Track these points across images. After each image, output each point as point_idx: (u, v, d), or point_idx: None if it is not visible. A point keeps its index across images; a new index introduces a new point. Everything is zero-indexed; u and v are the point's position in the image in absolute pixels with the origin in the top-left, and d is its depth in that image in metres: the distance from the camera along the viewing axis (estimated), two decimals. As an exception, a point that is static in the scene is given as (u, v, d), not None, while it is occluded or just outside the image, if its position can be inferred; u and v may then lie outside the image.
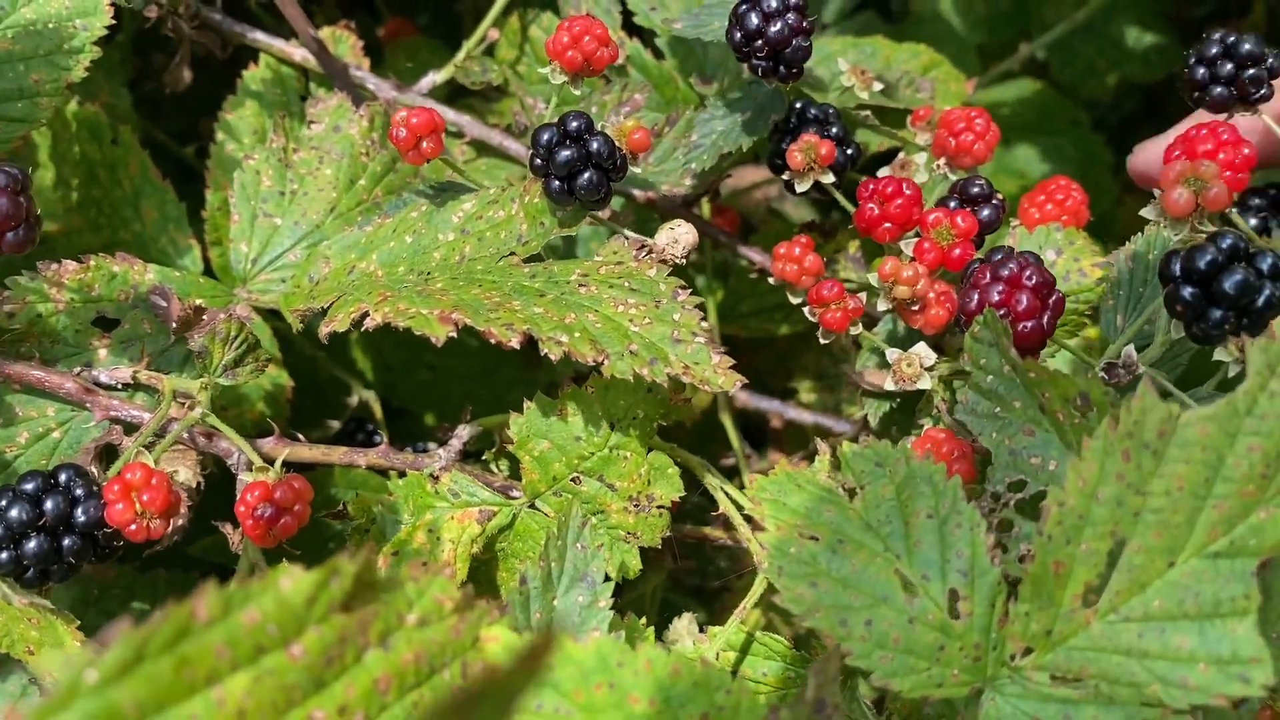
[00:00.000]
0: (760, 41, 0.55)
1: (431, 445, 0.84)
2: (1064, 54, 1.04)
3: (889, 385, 0.54)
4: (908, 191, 0.55)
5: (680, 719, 0.39)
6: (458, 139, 0.70)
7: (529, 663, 0.23)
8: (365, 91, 0.70)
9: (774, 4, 0.55)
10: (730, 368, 0.50)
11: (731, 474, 0.69)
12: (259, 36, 0.71)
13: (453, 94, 0.78)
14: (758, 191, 1.03)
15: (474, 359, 0.87)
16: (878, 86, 0.62)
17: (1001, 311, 0.50)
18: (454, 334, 0.49)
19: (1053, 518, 0.39)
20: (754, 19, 0.56)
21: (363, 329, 0.51)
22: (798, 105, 0.62)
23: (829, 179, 0.58)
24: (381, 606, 0.34)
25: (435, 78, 0.72)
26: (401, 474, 0.59)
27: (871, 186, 0.55)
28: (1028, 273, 0.50)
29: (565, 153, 0.52)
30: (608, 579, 0.51)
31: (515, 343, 0.49)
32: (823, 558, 0.43)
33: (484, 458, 0.63)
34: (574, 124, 0.52)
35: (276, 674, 0.31)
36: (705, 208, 0.73)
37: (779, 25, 0.55)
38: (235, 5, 0.74)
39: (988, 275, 0.51)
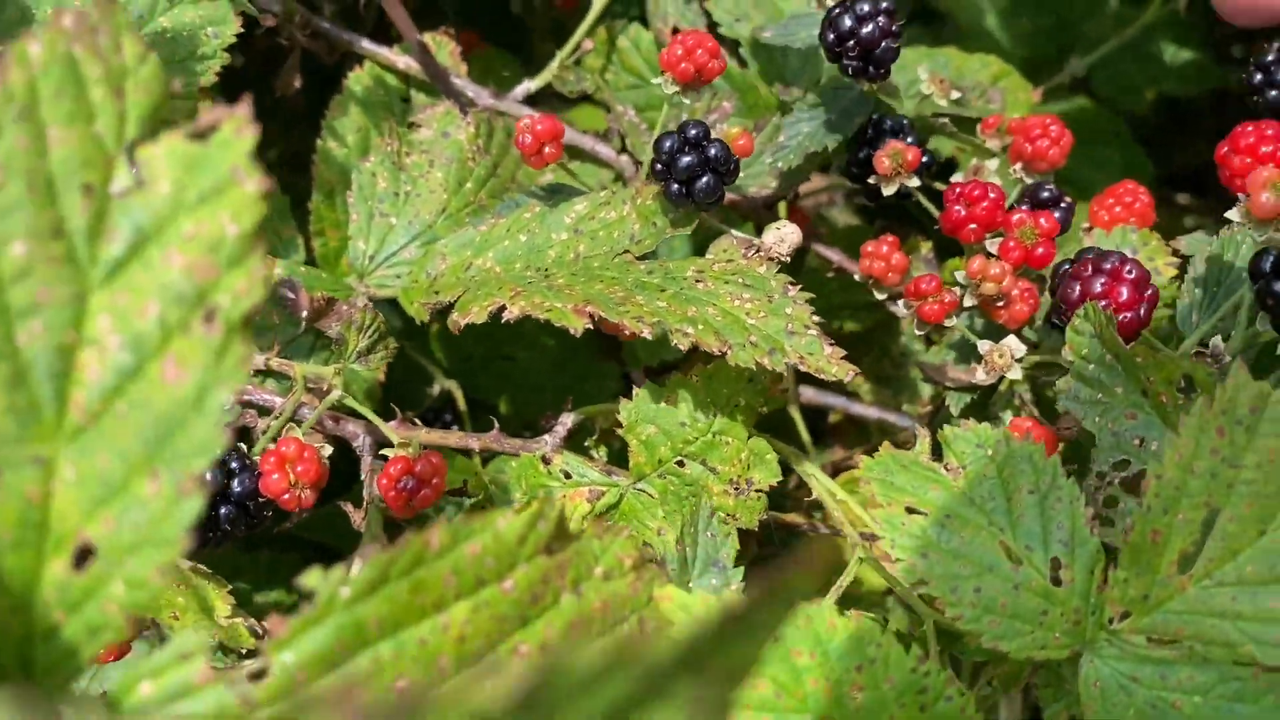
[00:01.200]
0: (853, 42, 0.60)
1: (530, 436, 0.89)
2: (1105, 70, 1.08)
3: (980, 376, 0.58)
4: (993, 195, 0.59)
5: (838, 670, 0.43)
6: (554, 144, 0.74)
7: (809, 567, 0.26)
8: (465, 98, 0.74)
9: (866, 7, 0.59)
10: (842, 357, 0.54)
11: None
12: (365, 44, 0.76)
13: (531, 101, 0.82)
14: (808, 199, 1.07)
15: (549, 353, 0.91)
16: (955, 95, 0.66)
17: (1103, 303, 0.54)
18: (590, 325, 0.53)
19: (1151, 490, 0.44)
20: (847, 21, 0.60)
21: (502, 320, 0.55)
22: (874, 117, 0.67)
23: (914, 183, 0.62)
24: (574, 555, 0.38)
25: (530, 85, 0.76)
26: (512, 457, 0.63)
27: (958, 190, 0.59)
28: (1128, 267, 0.54)
29: (686, 159, 0.56)
30: (738, 564, 0.55)
31: (647, 334, 0.53)
32: (931, 531, 0.47)
33: (585, 444, 0.67)
34: (693, 132, 0.57)
35: (491, 605, 0.35)
36: (782, 209, 0.77)
37: (871, 27, 0.60)
38: (343, 14, 0.79)
39: (1090, 268, 0.55)
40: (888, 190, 0.63)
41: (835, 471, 0.90)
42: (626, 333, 0.54)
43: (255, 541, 0.77)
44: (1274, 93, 0.61)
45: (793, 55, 0.75)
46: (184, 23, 0.66)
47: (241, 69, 0.86)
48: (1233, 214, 0.51)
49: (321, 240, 0.75)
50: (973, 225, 0.60)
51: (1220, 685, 0.44)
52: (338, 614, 0.33)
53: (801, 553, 0.26)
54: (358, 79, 0.76)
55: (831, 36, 0.61)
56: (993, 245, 0.60)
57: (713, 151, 0.56)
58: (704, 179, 0.57)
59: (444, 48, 0.77)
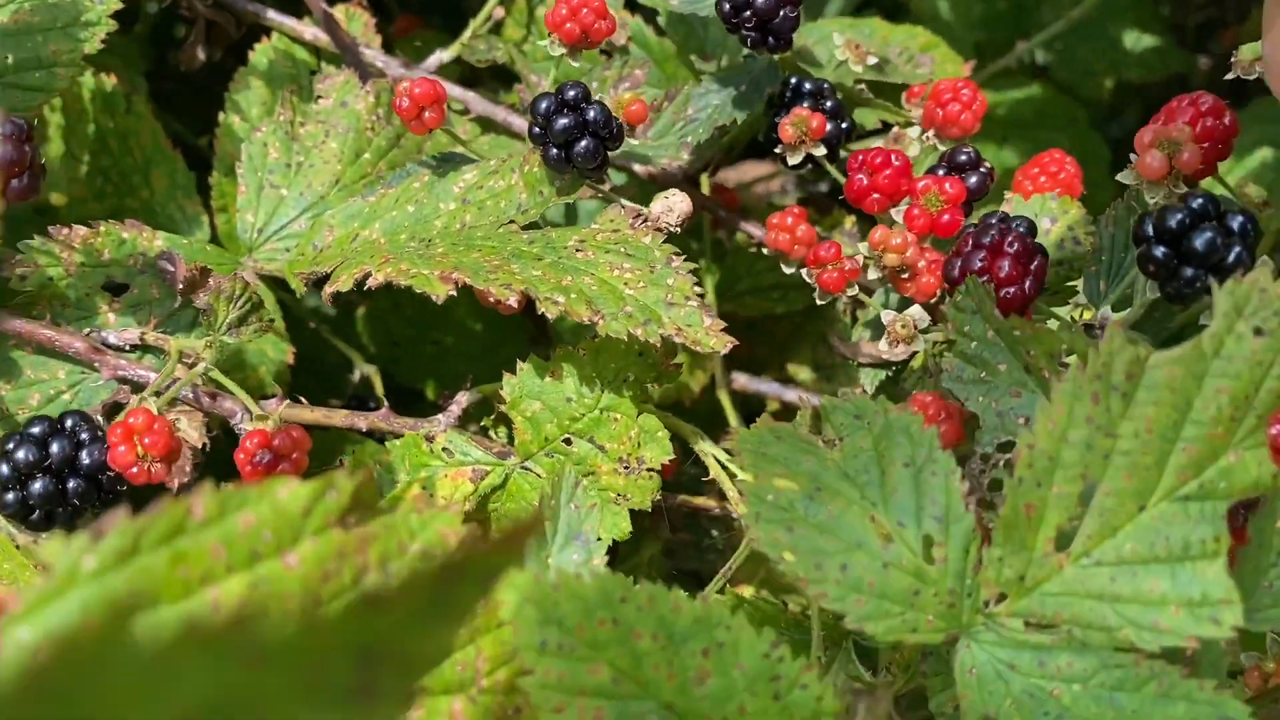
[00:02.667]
0: (749, 12, 0.57)
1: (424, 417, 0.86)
2: (1062, 55, 1.05)
3: (883, 347, 0.55)
4: (896, 162, 0.56)
5: (682, 654, 0.40)
6: (463, 115, 0.71)
7: (512, 541, 0.24)
8: (374, 69, 0.72)
9: (763, -25, 0.56)
10: (722, 329, 0.51)
11: (729, 454, 0.70)
12: (272, 15, 0.73)
13: (463, 82, 0.80)
14: (759, 186, 1.04)
15: (477, 338, 0.88)
16: (872, 60, 0.63)
17: (984, 278, 0.51)
18: (454, 292, 0.51)
19: (1023, 460, 0.40)
20: (742, -11, 0.57)
21: (365, 288, 0.52)
22: (793, 80, 0.64)
23: (820, 152, 0.60)
24: (382, 530, 0.35)
25: (442, 56, 0.73)
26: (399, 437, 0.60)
27: (860, 157, 0.57)
28: (1009, 239, 0.51)
29: (563, 121, 0.54)
30: (600, 539, 0.52)
31: (513, 301, 0.50)
32: (800, 504, 0.44)
33: (483, 424, 0.64)
34: (571, 93, 0.54)
35: (272, 582, 0.32)
36: (705, 184, 0.74)
37: None
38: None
39: (970, 243, 0.52)
40: (793, 159, 0.61)
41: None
42: (492, 299, 0.51)
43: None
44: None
45: (712, 26, 0.72)
46: (68, -13, 0.64)
47: (157, 49, 0.84)
48: (1124, 176, 0.48)
49: (224, 217, 0.72)
50: (876, 195, 0.57)
51: (1101, 673, 0.41)
52: (82, 586, 0.30)
53: (500, 530, 0.23)
54: (263, 51, 0.73)
55: (727, 6, 0.59)
56: (899, 214, 0.57)
57: (591, 114, 0.54)
58: (583, 142, 0.54)
59: (356, 19, 0.75)
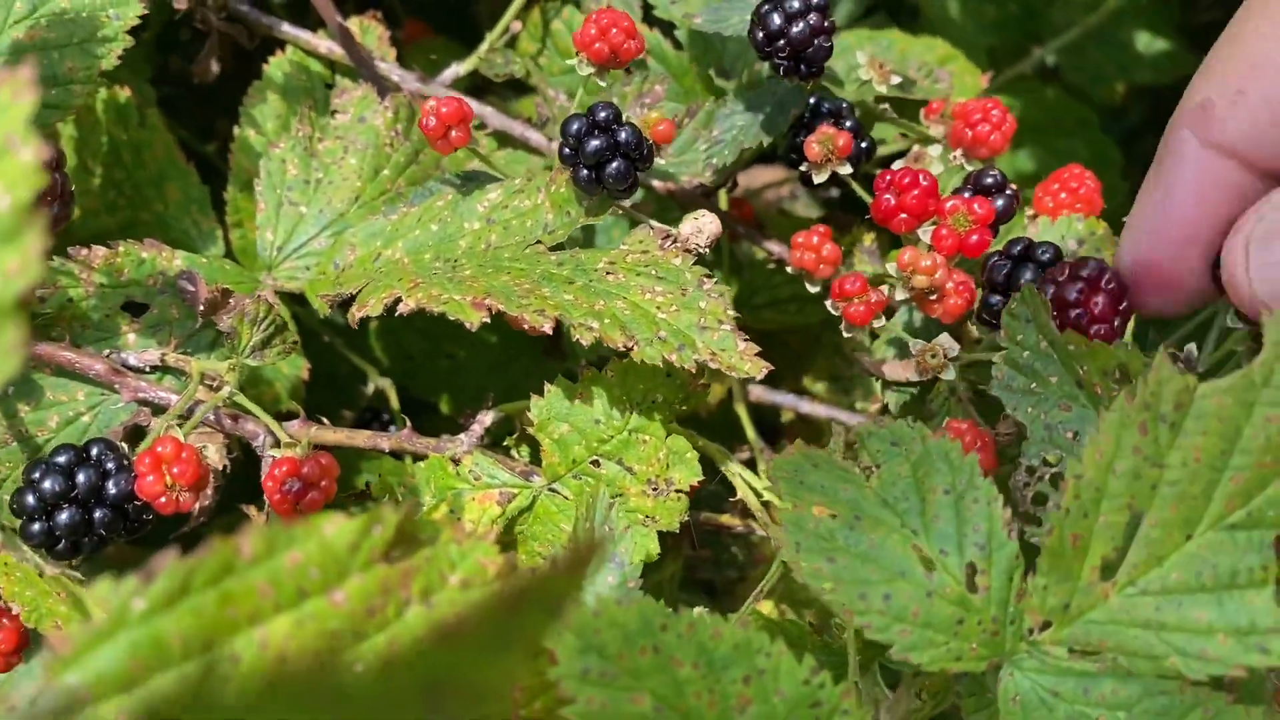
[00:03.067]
0: (782, 41, 0.56)
1: (444, 436, 0.86)
2: (1074, 59, 1.05)
3: (912, 375, 0.55)
4: (924, 182, 0.55)
5: (723, 681, 0.39)
6: (480, 130, 0.71)
7: (576, 567, 0.24)
8: (390, 83, 0.71)
9: (796, 4, 0.56)
10: (756, 354, 0.51)
11: (747, 467, 0.69)
12: (286, 28, 0.73)
13: (474, 90, 0.79)
14: (769, 192, 1.04)
15: (491, 351, 0.88)
16: (895, 80, 0.63)
17: (1077, 312, 0.50)
18: (487, 319, 0.50)
19: (1070, 490, 0.40)
20: (776, 19, 0.57)
21: (396, 314, 0.52)
22: (813, 100, 0.63)
23: (846, 170, 0.59)
24: (424, 563, 0.35)
25: (459, 69, 0.73)
26: (424, 458, 0.59)
27: (888, 178, 0.56)
28: (1106, 277, 0.50)
29: (594, 142, 0.53)
30: (635, 562, 0.52)
31: (547, 328, 0.50)
32: (840, 534, 0.44)
33: (505, 444, 0.64)
34: (603, 114, 0.53)
35: (318, 619, 0.32)
36: (723, 199, 0.74)
37: (801, 26, 0.56)
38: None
39: (1066, 271, 0.51)
40: (818, 178, 0.60)
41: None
42: (526, 326, 0.50)
43: (168, 545, 0.74)
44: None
45: (730, 42, 0.71)
46: (83, 3, 0.63)
47: (161, 55, 0.83)
48: None
49: (240, 232, 0.72)
50: (904, 215, 0.56)
51: (1145, 700, 0.41)
52: (131, 628, 0.30)
53: (563, 556, 0.23)
54: (278, 65, 0.72)
55: (760, 35, 0.58)
56: (926, 235, 0.57)
57: (623, 135, 0.53)
58: (614, 164, 0.54)
59: (371, 32, 0.74)
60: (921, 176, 0.55)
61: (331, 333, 0.87)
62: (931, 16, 1.03)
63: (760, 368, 0.51)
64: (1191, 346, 0.50)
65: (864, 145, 0.63)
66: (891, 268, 0.56)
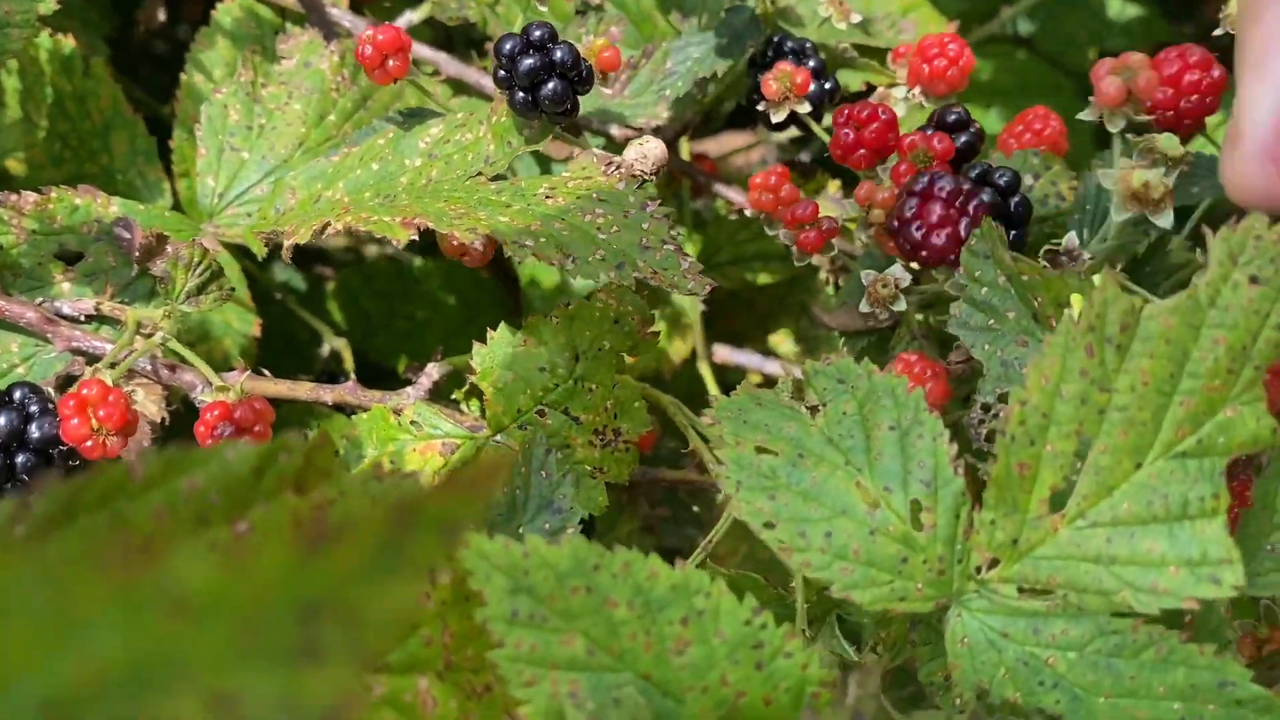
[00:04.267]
0: None
1: (392, 391, 0.84)
2: (1046, 24, 1.03)
3: (864, 308, 0.53)
4: (883, 116, 0.54)
5: (660, 623, 0.38)
6: (434, 77, 0.69)
7: (472, 485, 0.22)
8: (342, 29, 0.69)
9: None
10: (700, 271, 0.49)
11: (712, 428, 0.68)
12: (234, -26, 0.71)
13: (435, 45, 0.77)
14: (738, 157, 1.02)
15: (450, 312, 0.86)
16: (856, 18, 0.61)
17: (916, 225, 0.49)
18: (415, 237, 0.48)
19: (1015, 416, 0.39)
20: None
21: (325, 235, 0.50)
22: (775, 39, 0.62)
23: (805, 109, 0.57)
24: (338, 496, 0.33)
25: (412, 16, 0.71)
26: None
27: (846, 112, 0.55)
28: (939, 184, 0.49)
29: (528, 61, 0.51)
30: (574, 507, 0.50)
31: (478, 245, 0.48)
32: (782, 471, 0.42)
33: (454, 397, 0.62)
34: (537, 33, 0.52)
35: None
36: (684, 148, 0.72)
37: None
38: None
39: (903, 194, 0.50)
40: (776, 116, 0.58)
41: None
42: (455, 243, 0.49)
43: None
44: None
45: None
46: (18, -57, 0.61)
47: (112, 8, 0.81)
48: (1085, 114, 0.47)
49: (186, 182, 0.70)
50: (863, 150, 0.55)
51: (1097, 639, 0.39)
52: (12, 554, 0.28)
53: (461, 473, 0.21)
54: (226, 10, 0.71)
55: None
56: (885, 173, 0.55)
57: (558, 54, 0.51)
58: (550, 84, 0.52)
59: (322, -23, 0.72)
60: (880, 110, 0.54)
61: (287, 293, 0.85)
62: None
63: (704, 284, 0.49)
64: (1072, 234, 0.49)
65: (826, 86, 0.62)
66: (850, 205, 0.55)
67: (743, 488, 0.42)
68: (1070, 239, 0.48)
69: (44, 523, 0.28)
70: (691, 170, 0.70)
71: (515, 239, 0.48)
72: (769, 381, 0.87)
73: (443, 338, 0.86)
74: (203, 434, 0.49)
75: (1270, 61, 0.40)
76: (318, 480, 0.34)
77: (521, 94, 0.52)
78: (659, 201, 0.51)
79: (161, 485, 0.30)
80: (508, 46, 0.52)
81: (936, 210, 0.47)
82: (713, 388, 0.79)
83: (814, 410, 0.45)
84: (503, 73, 0.52)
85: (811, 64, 0.61)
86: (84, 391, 0.47)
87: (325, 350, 0.82)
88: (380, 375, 0.90)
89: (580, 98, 0.53)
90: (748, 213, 0.60)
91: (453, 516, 0.25)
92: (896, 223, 0.49)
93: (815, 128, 0.59)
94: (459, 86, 0.71)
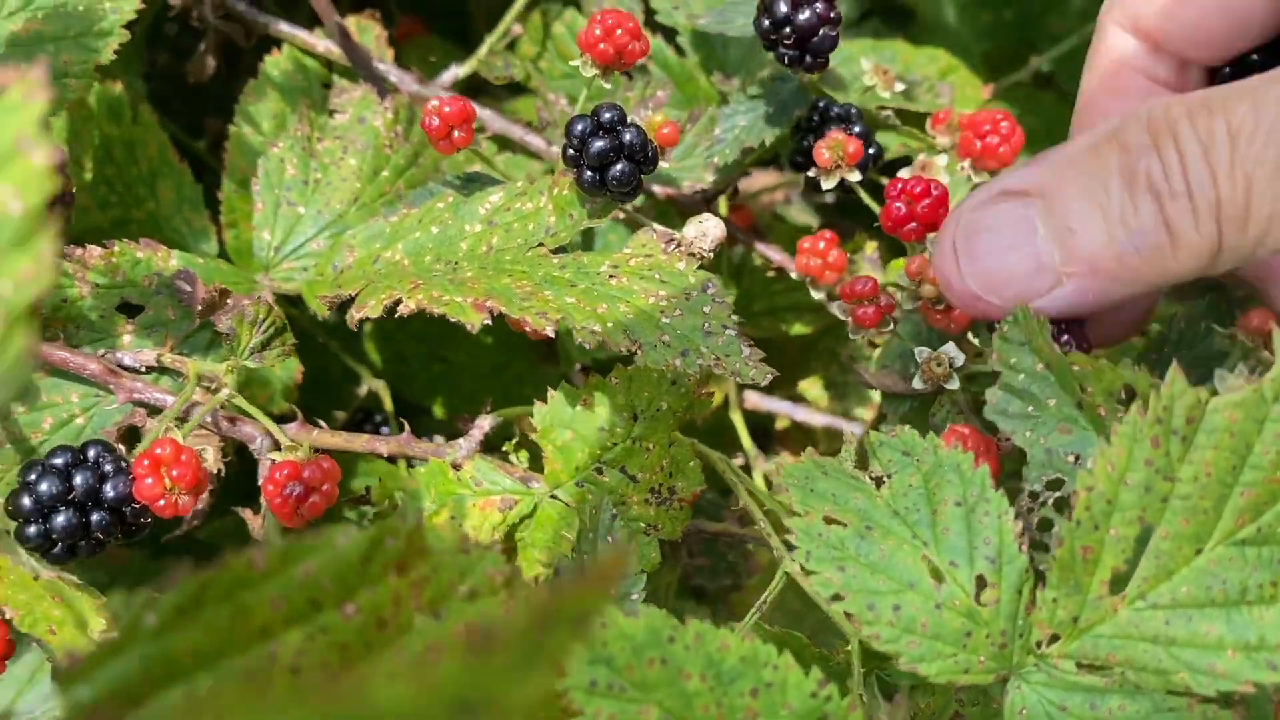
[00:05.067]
0: (788, 29, 0.56)
1: (439, 438, 0.85)
2: (1070, 66, 1.05)
3: (917, 384, 0.55)
4: (935, 191, 0.55)
5: (730, 694, 0.39)
6: (480, 133, 0.70)
7: (603, 581, 0.23)
8: (388, 84, 0.70)
9: (802, -9, 0.56)
10: (761, 359, 0.50)
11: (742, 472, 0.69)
12: (283, 27, 0.72)
13: (470, 91, 0.79)
14: (763, 197, 1.04)
15: (487, 354, 0.87)
16: (899, 87, 0.63)
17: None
18: (489, 321, 0.50)
19: (1081, 502, 0.40)
20: (782, 6, 0.56)
21: (396, 315, 0.51)
22: (820, 104, 0.63)
23: (855, 177, 0.59)
24: (431, 573, 0.34)
25: (458, 71, 0.72)
26: (419, 462, 0.59)
27: (899, 185, 0.56)
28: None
29: (599, 144, 0.53)
30: (641, 572, 0.51)
31: (549, 331, 0.49)
32: (850, 543, 0.44)
33: (504, 449, 0.63)
34: (608, 115, 0.53)
35: (329, 632, 0.31)
36: (723, 205, 0.74)
37: (807, 13, 0.56)
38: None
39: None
40: (827, 184, 0.60)
41: (785, 479, 0.87)
42: (528, 329, 0.50)
43: (161, 547, 0.73)
44: None
45: (733, 46, 0.71)
46: (81, -4, 0.62)
47: (150, 49, 0.82)
48: None
49: (234, 232, 0.71)
50: (914, 224, 0.56)
51: (1152, 716, 0.41)
52: (144, 643, 0.29)
53: (590, 567, 0.23)
54: (275, 63, 0.72)
55: (766, 23, 0.58)
56: (933, 245, 0.57)
57: (627, 137, 0.53)
58: (619, 166, 0.53)
59: (368, 31, 0.73)
60: (933, 185, 0.55)
61: (325, 333, 0.86)
62: (927, 21, 1.03)
63: (765, 374, 0.50)
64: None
65: (871, 151, 0.63)
66: (899, 276, 0.56)
67: (812, 558, 0.43)
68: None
69: (173, 614, 0.30)
70: (731, 228, 0.71)
71: (584, 324, 0.49)
72: (798, 427, 0.88)
73: (479, 380, 0.87)
74: (272, 493, 0.50)
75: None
76: (417, 560, 0.35)
77: (590, 173, 0.54)
78: (718, 283, 0.52)
79: (280, 574, 0.31)
80: (579, 128, 0.53)
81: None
82: (745, 436, 0.81)
83: (878, 481, 0.46)
84: (572, 152, 0.54)
85: (857, 129, 0.63)
86: (158, 451, 0.48)
87: (363, 390, 0.83)
88: (415, 414, 0.91)
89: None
90: (793, 275, 0.61)
91: (587, 612, 0.26)
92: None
93: (863, 196, 0.60)
94: (504, 142, 0.72)
